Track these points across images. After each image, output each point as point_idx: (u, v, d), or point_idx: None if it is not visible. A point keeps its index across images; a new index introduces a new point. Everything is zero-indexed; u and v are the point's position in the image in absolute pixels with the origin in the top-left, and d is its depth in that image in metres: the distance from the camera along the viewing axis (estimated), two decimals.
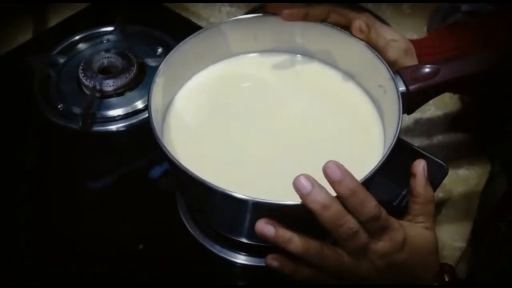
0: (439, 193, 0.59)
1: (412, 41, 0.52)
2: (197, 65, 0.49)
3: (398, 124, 0.40)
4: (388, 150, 0.38)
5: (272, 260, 0.39)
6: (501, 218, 0.44)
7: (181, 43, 0.45)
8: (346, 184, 0.34)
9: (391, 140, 0.40)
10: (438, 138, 0.66)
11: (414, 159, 0.56)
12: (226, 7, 0.83)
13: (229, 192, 0.36)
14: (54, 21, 0.73)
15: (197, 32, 0.46)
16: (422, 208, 0.41)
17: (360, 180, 0.36)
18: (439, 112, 0.68)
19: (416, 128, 0.67)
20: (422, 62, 0.49)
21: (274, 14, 0.47)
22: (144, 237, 0.49)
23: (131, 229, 0.50)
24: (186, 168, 0.37)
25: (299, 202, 0.35)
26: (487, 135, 0.64)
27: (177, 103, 0.47)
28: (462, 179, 0.61)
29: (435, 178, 0.55)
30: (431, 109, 0.68)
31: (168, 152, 0.38)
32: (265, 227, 0.37)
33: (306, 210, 0.35)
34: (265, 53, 0.51)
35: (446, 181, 0.58)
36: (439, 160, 0.56)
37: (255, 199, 0.36)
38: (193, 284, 0.46)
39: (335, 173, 0.34)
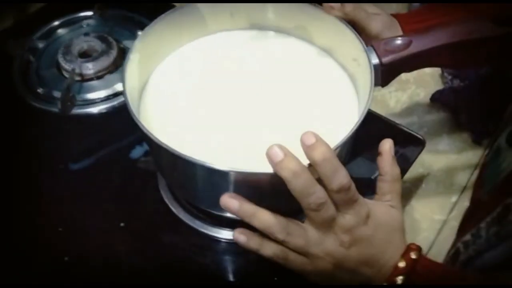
0: (419, 168, 0.60)
1: (398, 16, 0.52)
2: (173, 43, 0.49)
3: (369, 93, 0.41)
4: (360, 118, 0.39)
5: (239, 234, 0.39)
6: (509, 195, 0.44)
7: (156, 20, 0.45)
8: (320, 149, 0.35)
9: (362, 110, 0.40)
10: (418, 115, 0.66)
11: (393, 134, 0.57)
12: None
13: (208, 164, 0.36)
14: (33, 8, 0.73)
15: (172, 10, 0.46)
16: (389, 186, 0.42)
17: (334, 146, 0.37)
18: (419, 90, 0.69)
19: (397, 106, 0.67)
20: (406, 29, 0.50)
21: None
22: (125, 215, 0.49)
23: (113, 209, 0.50)
24: (163, 143, 0.37)
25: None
26: (469, 112, 0.65)
27: (154, 81, 0.47)
28: (442, 154, 0.62)
29: (413, 151, 0.56)
30: (412, 87, 0.69)
31: (144, 127, 0.38)
32: (229, 201, 0.37)
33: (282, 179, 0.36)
34: (241, 30, 0.51)
35: (426, 156, 0.59)
36: (416, 134, 0.57)
37: (234, 169, 0.36)
38: (177, 261, 0.46)
39: (309, 138, 0.35)
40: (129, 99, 0.40)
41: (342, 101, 0.47)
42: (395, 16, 0.53)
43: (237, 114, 0.45)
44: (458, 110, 0.66)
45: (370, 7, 0.50)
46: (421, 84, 0.69)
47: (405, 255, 0.39)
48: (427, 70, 0.70)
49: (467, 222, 0.50)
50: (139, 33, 0.66)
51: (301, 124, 0.45)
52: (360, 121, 0.39)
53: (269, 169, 0.36)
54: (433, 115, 0.67)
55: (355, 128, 0.39)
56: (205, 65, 0.49)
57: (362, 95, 0.46)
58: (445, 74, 0.69)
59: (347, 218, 0.38)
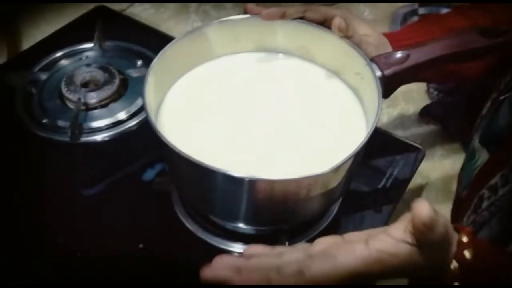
0: (418, 179, 0.63)
1: (387, 34, 0.55)
2: (183, 66, 0.51)
3: (378, 105, 0.43)
4: (373, 125, 0.41)
5: None
6: (483, 185, 0.47)
7: (169, 45, 0.47)
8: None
9: (373, 119, 0.43)
10: (411, 130, 0.70)
11: (393, 146, 0.60)
12: (198, 23, 0.86)
13: (226, 172, 0.38)
14: (32, 41, 0.74)
15: (183, 34, 0.49)
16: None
17: (348, 156, 0.39)
18: (409, 106, 0.73)
19: (389, 122, 0.71)
20: (395, 47, 0.52)
21: (253, 15, 0.50)
22: (143, 236, 0.49)
23: (130, 231, 0.50)
24: (184, 153, 0.39)
25: (291, 178, 0.38)
26: (456, 123, 0.69)
27: (167, 102, 0.49)
28: (438, 164, 0.65)
29: (414, 161, 0.58)
30: (401, 104, 0.73)
31: (166, 139, 0.40)
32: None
33: (297, 186, 0.39)
34: (247, 53, 0.54)
35: (423, 167, 0.62)
36: (416, 144, 0.59)
37: (250, 177, 0.38)
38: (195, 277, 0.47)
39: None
40: (152, 117, 0.41)
41: (349, 112, 0.49)
42: (384, 34, 0.56)
43: (249, 127, 0.47)
44: (446, 122, 0.69)
45: (361, 27, 0.53)
46: (409, 101, 0.73)
47: (457, 255, 0.35)
48: (414, 87, 0.74)
49: (454, 220, 0.52)
50: (139, 62, 0.68)
51: (312, 135, 0.47)
52: (372, 129, 0.41)
53: (280, 177, 0.38)
54: (424, 128, 0.70)
55: (368, 136, 0.41)
56: (216, 86, 0.51)
57: (367, 106, 0.48)
58: (431, 89, 0.74)
59: None
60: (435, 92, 0.73)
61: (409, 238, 0.34)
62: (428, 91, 0.74)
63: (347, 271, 0.33)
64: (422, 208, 0.33)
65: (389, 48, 0.55)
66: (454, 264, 0.35)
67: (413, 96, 0.74)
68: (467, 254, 0.35)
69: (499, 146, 0.49)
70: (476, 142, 0.53)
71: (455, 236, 0.36)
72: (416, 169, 0.58)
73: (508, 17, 0.54)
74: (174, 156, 0.40)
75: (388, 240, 0.34)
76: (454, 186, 0.63)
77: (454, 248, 0.35)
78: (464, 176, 0.55)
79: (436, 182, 0.63)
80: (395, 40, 0.56)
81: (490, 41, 0.49)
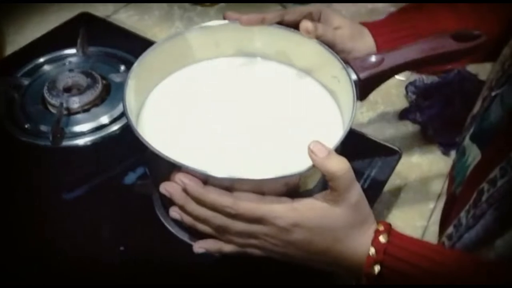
0: (396, 180, 0.64)
1: (369, 25, 0.55)
2: (164, 70, 0.52)
3: (353, 107, 0.45)
4: (348, 125, 0.42)
5: (199, 248, 0.44)
6: (482, 180, 0.47)
7: (149, 49, 0.48)
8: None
9: (348, 122, 0.44)
10: (390, 132, 0.71)
11: (372, 148, 0.61)
12: (180, 29, 0.87)
13: (206, 172, 0.39)
14: (10, 49, 0.75)
15: (164, 39, 0.50)
16: (331, 184, 0.40)
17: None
18: (388, 109, 0.74)
19: (369, 124, 0.72)
20: (379, 41, 0.53)
21: (232, 21, 0.51)
22: (124, 239, 0.50)
23: (111, 233, 0.51)
24: (163, 154, 0.40)
25: (268, 178, 0.40)
26: (434, 125, 0.70)
27: (148, 105, 0.50)
28: (416, 165, 0.67)
29: (390, 162, 0.60)
30: (381, 107, 0.74)
31: (147, 142, 0.40)
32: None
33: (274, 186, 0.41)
34: (226, 57, 0.55)
35: (401, 168, 0.63)
36: (392, 146, 0.61)
37: (230, 177, 0.40)
38: (176, 278, 0.47)
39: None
40: (132, 120, 0.42)
41: (326, 115, 0.50)
42: (366, 25, 0.55)
43: (228, 133, 0.48)
44: (425, 125, 0.71)
45: (335, 20, 0.53)
46: (388, 104, 0.75)
47: (374, 241, 0.40)
48: (393, 91, 0.76)
49: (447, 217, 0.53)
50: (122, 67, 0.69)
51: (289, 136, 0.48)
52: (347, 129, 0.42)
53: (258, 177, 0.40)
54: (403, 131, 0.72)
55: (342, 137, 0.42)
56: (196, 90, 0.52)
57: (344, 109, 0.49)
58: (409, 93, 0.76)
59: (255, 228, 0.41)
60: (414, 96, 0.75)
61: (326, 196, 0.40)
62: (406, 95, 0.76)
63: (267, 209, 0.40)
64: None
65: (367, 36, 0.54)
66: (371, 251, 0.40)
67: (392, 100, 0.75)
68: (382, 239, 0.40)
69: (493, 141, 0.49)
70: (467, 139, 0.54)
71: (374, 227, 0.42)
72: (393, 170, 0.59)
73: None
74: (154, 158, 0.40)
75: (309, 199, 0.41)
76: (431, 187, 0.65)
77: (372, 236, 0.41)
78: (457, 174, 0.56)
79: (414, 183, 0.65)
80: (375, 27, 0.55)
81: (462, 45, 0.51)
